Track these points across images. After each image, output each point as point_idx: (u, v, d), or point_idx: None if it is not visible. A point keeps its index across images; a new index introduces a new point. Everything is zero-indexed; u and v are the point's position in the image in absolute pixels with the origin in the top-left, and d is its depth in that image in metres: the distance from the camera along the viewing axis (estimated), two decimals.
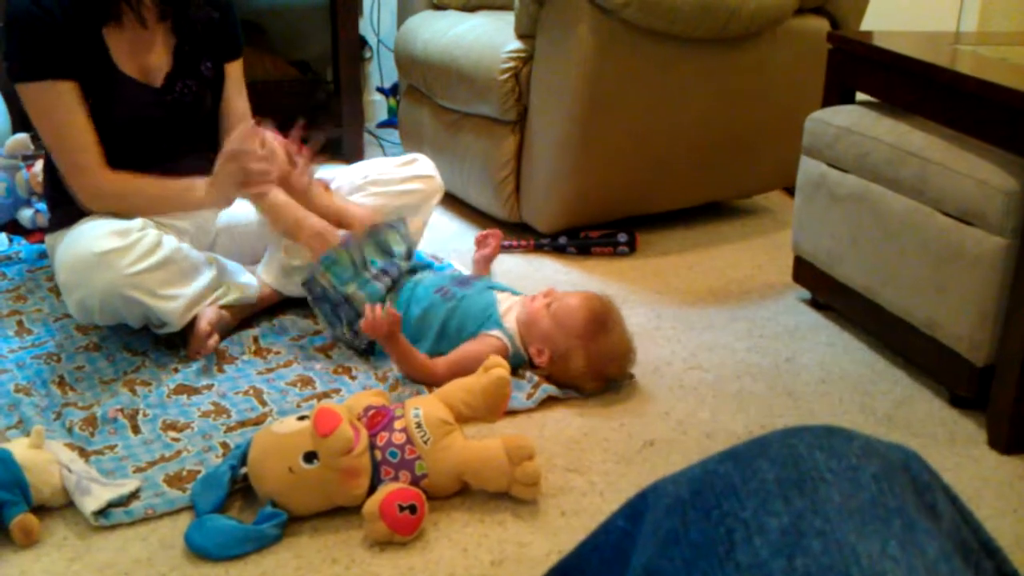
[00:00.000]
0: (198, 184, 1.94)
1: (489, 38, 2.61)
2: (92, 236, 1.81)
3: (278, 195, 1.96)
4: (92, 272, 1.78)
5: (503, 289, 1.99)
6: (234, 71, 2.16)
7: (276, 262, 2.10)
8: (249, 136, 1.90)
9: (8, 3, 1.88)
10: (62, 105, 1.88)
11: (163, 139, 2.01)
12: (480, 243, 2.13)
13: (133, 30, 1.93)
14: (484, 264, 2.13)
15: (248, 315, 2.07)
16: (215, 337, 1.92)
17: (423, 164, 2.21)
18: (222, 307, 1.98)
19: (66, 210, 1.99)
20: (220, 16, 2.09)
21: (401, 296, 1.94)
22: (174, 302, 1.86)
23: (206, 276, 1.95)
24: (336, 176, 2.21)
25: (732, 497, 0.56)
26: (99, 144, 1.92)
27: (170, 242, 1.88)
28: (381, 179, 2.15)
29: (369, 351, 1.95)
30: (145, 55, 1.98)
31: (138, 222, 1.86)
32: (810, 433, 0.59)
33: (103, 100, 1.92)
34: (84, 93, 1.90)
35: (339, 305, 1.92)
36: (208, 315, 1.92)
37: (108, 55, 1.92)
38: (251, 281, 2.07)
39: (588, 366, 1.82)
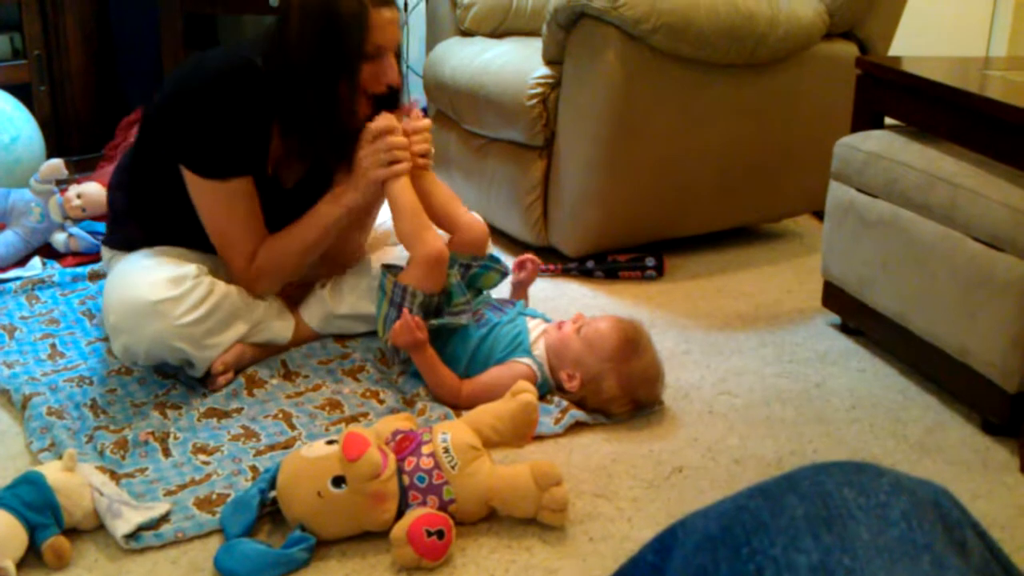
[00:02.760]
0: (334, 196, 1.93)
1: (517, 64, 2.62)
2: (147, 282, 1.81)
3: (410, 195, 1.91)
4: (143, 320, 1.78)
5: (534, 316, 2.00)
6: None
7: (321, 308, 2.08)
8: (390, 118, 1.90)
9: (186, 83, 1.86)
10: (241, 202, 1.90)
11: (272, 220, 1.99)
12: (518, 268, 2.13)
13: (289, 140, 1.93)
14: (521, 289, 2.13)
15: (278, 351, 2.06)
16: (229, 375, 1.91)
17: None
18: (253, 344, 1.98)
19: (129, 234, 1.99)
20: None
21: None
22: (214, 351, 1.87)
23: (245, 322, 1.94)
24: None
25: (762, 534, 0.56)
26: (263, 229, 1.93)
27: (219, 289, 1.88)
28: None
29: (404, 370, 1.95)
30: (286, 159, 1.97)
31: (193, 269, 1.85)
32: (839, 469, 0.59)
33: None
34: None
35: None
36: (225, 357, 1.91)
37: (266, 152, 1.92)
38: (287, 323, 2.04)
39: (620, 389, 1.82)
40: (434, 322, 1.88)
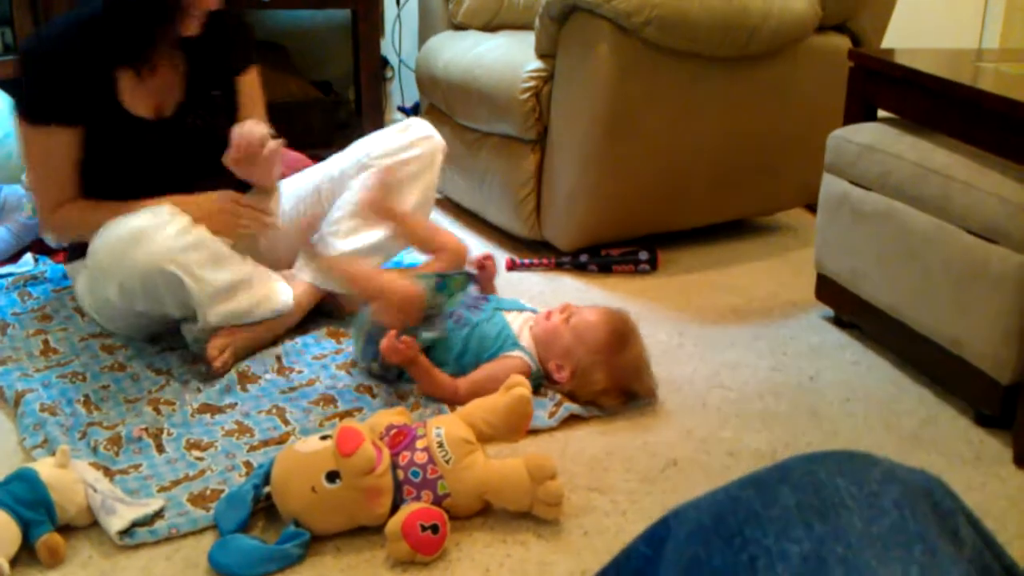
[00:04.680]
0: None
1: (509, 58, 2.62)
2: (127, 218, 1.84)
3: (351, 264, 1.99)
4: (132, 248, 1.80)
5: (510, 308, 1.98)
6: (246, 85, 2.17)
7: (311, 267, 2.12)
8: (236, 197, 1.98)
9: (26, 40, 1.93)
10: (56, 151, 1.94)
11: (180, 170, 2.03)
12: (478, 267, 2.11)
13: (147, 70, 1.97)
14: (486, 286, 2.12)
15: (282, 331, 2.07)
16: (224, 357, 1.93)
17: (419, 126, 2.20)
18: (246, 324, 1.99)
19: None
20: (231, 32, 2.10)
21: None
22: (210, 286, 1.87)
23: (240, 269, 1.96)
24: (339, 159, 2.23)
25: (754, 523, 0.56)
26: (76, 185, 1.98)
27: (201, 228, 1.89)
28: (385, 151, 2.15)
29: (399, 377, 1.94)
30: (156, 90, 2.00)
31: (167, 206, 1.88)
32: (831, 459, 0.58)
33: (113, 141, 1.96)
34: (93, 135, 1.94)
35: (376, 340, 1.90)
36: (216, 341, 1.93)
37: (116, 97, 1.95)
38: (286, 288, 2.07)
39: (610, 381, 1.82)
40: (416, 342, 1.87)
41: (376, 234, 2.10)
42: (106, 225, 1.86)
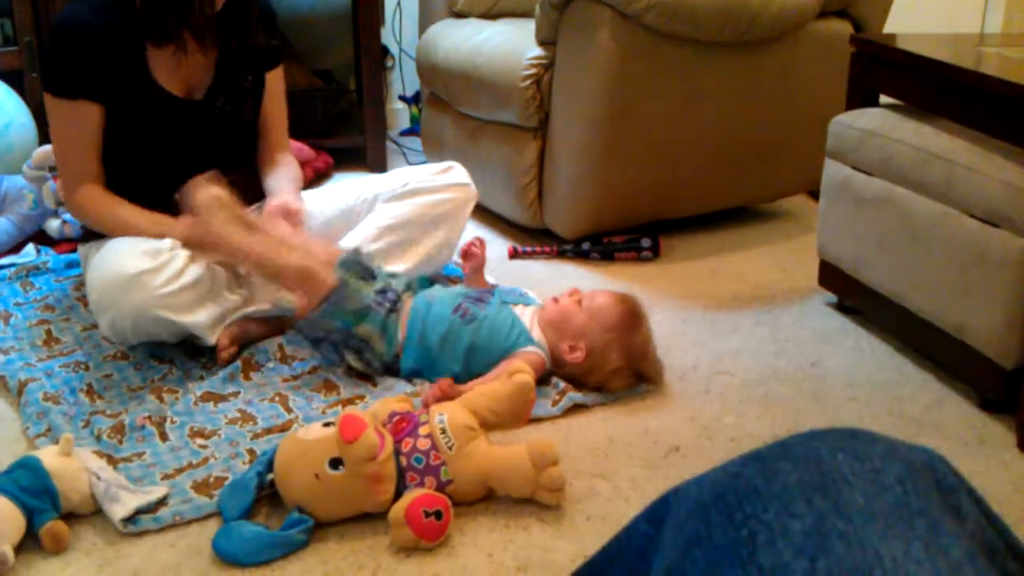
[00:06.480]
0: (172, 226, 1.94)
1: (510, 45, 2.61)
2: (123, 256, 1.82)
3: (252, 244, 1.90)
4: (123, 293, 1.79)
5: (515, 301, 1.94)
6: (274, 80, 2.21)
7: None
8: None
9: (61, 13, 1.95)
10: (80, 125, 1.95)
11: (205, 152, 2.04)
12: (466, 256, 2.09)
13: (179, 48, 1.96)
14: (477, 275, 2.10)
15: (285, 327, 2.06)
16: (232, 349, 1.93)
17: (458, 172, 2.24)
18: (258, 319, 1.99)
19: None
20: (264, 21, 2.13)
21: (414, 319, 1.89)
22: (208, 317, 1.88)
23: (234, 296, 1.95)
24: (377, 183, 2.24)
25: (755, 499, 0.56)
26: (100, 165, 1.99)
27: (198, 264, 1.87)
28: (421, 188, 2.18)
29: (390, 372, 1.91)
30: (187, 70, 2.01)
31: (167, 242, 1.86)
32: (833, 436, 0.58)
33: (141, 117, 1.97)
34: (121, 110, 1.95)
35: (343, 341, 1.87)
36: (230, 330, 1.93)
37: (148, 72, 1.96)
38: (288, 297, 2.07)
39: (624, 359, 1.83)
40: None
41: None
42: (103, 260, 1.86)
